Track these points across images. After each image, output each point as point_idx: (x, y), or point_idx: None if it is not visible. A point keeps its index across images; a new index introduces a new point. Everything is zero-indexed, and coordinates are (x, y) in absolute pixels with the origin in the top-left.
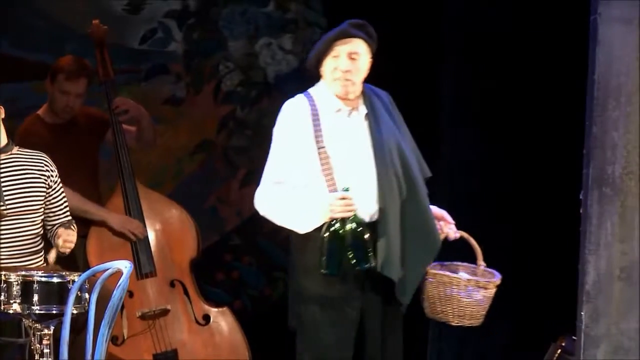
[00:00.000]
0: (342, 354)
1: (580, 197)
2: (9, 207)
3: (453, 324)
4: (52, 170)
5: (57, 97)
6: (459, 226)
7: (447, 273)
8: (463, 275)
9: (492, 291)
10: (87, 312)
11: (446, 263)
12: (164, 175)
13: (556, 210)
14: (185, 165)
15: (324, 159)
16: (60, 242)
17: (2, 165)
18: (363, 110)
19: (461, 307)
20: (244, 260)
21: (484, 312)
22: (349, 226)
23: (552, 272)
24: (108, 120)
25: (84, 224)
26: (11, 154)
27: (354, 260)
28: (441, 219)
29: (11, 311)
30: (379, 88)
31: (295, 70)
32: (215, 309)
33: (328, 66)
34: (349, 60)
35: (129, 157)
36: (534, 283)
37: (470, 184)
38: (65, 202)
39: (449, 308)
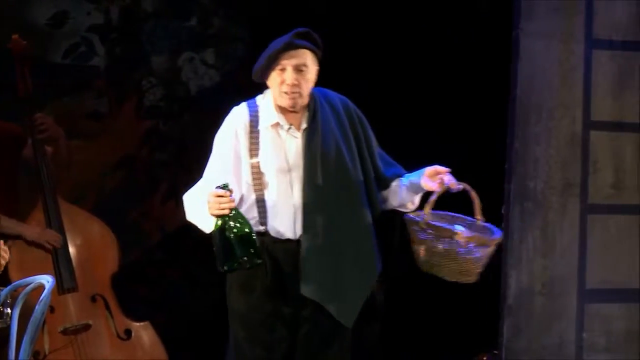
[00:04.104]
0: None
1: (502, 211)
2: None
3: (449, 279)
4: None
5: None
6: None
7: (448, 227)
8: (463, 230)
9: (492, 248)
10: (9, 328)
11: (441, 212)
12: (85, 190)
13: None
14: (108, 180)
15: (256, 173)
16: None
17: None
18: (303, 124)
19: (459, 263)
20: (167, 275)
21: (480, 270)
22: (231, 224)
23: (474, 287)
24: (25, 136)
25: None
26: None
27: (219, 260)
28: (436, 172)
29: None
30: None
31: (218, 85)
32: (137, 324)
33: (274, 79)
34: (295, 73)
35: (49, 171)
36: (455, 298)
37: None
38: None
39: (444, 263)
